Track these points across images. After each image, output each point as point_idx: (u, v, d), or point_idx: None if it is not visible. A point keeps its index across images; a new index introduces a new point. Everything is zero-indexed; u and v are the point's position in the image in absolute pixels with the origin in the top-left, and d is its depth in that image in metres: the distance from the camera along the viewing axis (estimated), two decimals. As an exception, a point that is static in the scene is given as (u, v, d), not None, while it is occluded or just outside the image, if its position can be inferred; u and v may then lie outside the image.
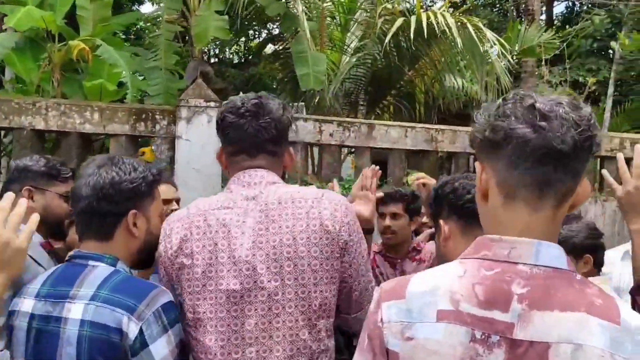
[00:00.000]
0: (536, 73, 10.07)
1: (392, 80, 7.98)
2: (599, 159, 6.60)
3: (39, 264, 1.83)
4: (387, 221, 2.83)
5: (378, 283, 2.96)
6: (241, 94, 6.45)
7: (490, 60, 6.68)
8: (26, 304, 1.46)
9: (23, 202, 1.25)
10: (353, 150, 6.12)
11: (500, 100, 1.02)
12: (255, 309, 1.45)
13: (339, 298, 1.55)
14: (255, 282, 1.46)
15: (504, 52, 6.73)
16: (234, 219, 1.50)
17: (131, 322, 1.37)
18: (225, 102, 1.71)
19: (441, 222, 1.50)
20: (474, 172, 1.12)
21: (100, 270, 1.46)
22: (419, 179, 2.77)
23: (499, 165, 1.00)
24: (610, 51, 11.06)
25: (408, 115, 8.03)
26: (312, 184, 5.62)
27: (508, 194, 1.00)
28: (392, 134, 5.81)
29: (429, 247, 2.92)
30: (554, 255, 0.98)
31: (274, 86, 10.40)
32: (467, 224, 1.47)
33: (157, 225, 1.61)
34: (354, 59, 7.63)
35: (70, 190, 1.62)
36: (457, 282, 0.99)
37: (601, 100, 10.39)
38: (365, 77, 7.90)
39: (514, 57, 7.75)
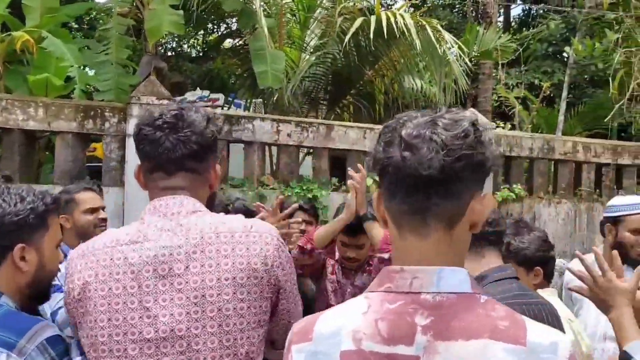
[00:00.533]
0: (493, 75, 10.22)
1: (352, 80, 7.92)
2: (552, 162, 6.72)
3: None
4: (352, 253, 2.79)
5: (335, 292, 2.96)
6: (198, 89, 6.29)
7: (448, 62, 6.69)
8: None
9: None
10: (311, 150, 6.03)
11: (383, 126, 1.00)
12: None
13: (277, 333, 1.43)
14: (172, 330, 1.29)
15: (462, 54, 6.76)
16: (143, 257, 1.32)
17: (11, 358, 1.28)
18: (180, 97, 1.55)
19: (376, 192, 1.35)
20: None
21: None
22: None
23: (385, 194, 0.99)
24: (565, 55, 11.32)
25: (368, 115, 7.98)
26: (269, 186, 5.52)
27: (397, 223, 0.99)
28: (350, 135, 5.75)
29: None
30: (458, 280, 0.96)
31: (232, 82, 10.22)
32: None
33: (53, 257, 1.51)
34: (314, 58, 7.52)
35: None
36: (360, 320, 0.96)
37: (556, 102, 10.63)
38: (325, 76, 7.82)
39: (472, 60, 7.81)
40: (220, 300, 1.30)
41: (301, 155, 6.53)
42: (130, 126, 4.90)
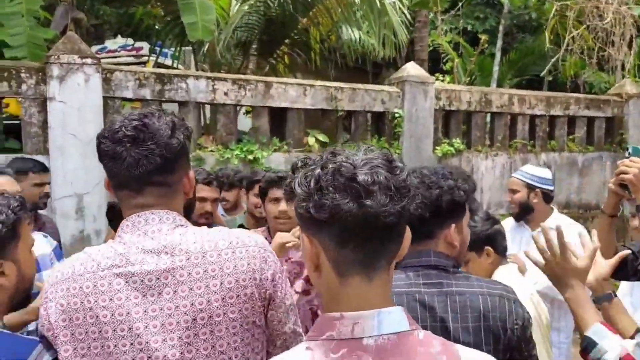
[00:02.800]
0: (429, 22, 10.12)
1: (286, 29, 7.59)
2: (489, 114, 6.80)
3: None
4: (283, 205, 2.66)
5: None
6: (119, 37, 5.79)
7: (387, 12, 6.49)
8: None
9: None
10: (249, 109, 5.78)
11: (318, 169, 0.96)
12: None
13: (272, 344, 1.40)
14: (164, 356, 1.24)
15: (401, 6, 6.58)
16: (130, 283, 1.25)
17: None
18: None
19: (303, 237, 1.07)
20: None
21: None
22: None
23: (327, 243, 0.97)
24: (498, 1, 11.36)
25: (304, 66, 7.73)
26: (207, 148, 5.25)
27: (341, 272, 0.98)
28: (290, 93, 5.53)
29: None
30: (395, 320, 0.98)
31: (157, 28, 9.55)
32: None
33: (29, 263, 1.50)
34: (246, 7, 7.11)
35: None
36: None
37: (488, 49, 10.73)
38: (258, 25, 7.44)
39: (409, 9, 7.65)
40: (212, 322, 1.26)
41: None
42: (52, 88, 4.47)
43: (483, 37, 8.62)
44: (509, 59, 10.66)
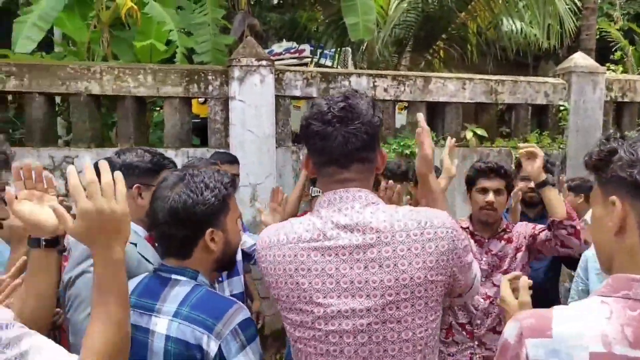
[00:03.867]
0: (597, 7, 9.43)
1: (443, 24, 7.60)
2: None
3: (147, 260, 1.92)
4: (491, 196, 2.68)
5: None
6: (284, 41, 6.25)
7: (552, 2, 6.23)
8: None
9: (118, 175, 1.21)
10: (407, 105, 5.93)
11: None
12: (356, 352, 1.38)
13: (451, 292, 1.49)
14: (354, 325, 1.37)
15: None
16: (325, 256, 1.38)
17: (210, 340, 1.40)
18: (311, 105, 1.52)
19: (614, 199, 1.10)
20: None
21: (181, 286, 1.51)
22: (527, 149, 2.62)
23: (631, 206, 1.02)
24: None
25: (461, 61, 7.67)
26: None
27: None
28: (449, 87, 5.58)
29: (519, 229, 2.79)
30: None
31: (317, 31, 10.08)
32: None
33: (235, 232, 1.63)
34: (405, 4, 7.25)
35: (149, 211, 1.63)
36: (605, 324, 1.00)
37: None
38: (416, 22, 7.54)
39: (576, -5, 7.23)
40: (398, 299, 1.34)
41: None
42: (233, 88, 5.02)
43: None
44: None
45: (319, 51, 8.91)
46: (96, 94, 4.89)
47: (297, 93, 5.33)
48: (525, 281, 1.62)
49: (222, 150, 4.47)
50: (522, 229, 2.77)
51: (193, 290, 1.49)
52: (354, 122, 1.40)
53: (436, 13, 7.39)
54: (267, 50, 10.28)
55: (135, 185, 1.97)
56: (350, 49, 8.93)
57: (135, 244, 1.91)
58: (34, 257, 1.44)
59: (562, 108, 5.69)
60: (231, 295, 2.89)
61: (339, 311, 1.36)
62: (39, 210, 1.42)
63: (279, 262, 1.42)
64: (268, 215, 2.52)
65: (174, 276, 1.53)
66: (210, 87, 5.11)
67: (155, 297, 1.50)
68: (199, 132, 6.43)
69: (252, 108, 5.02)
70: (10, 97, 5.39)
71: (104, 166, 1.19)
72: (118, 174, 1.21)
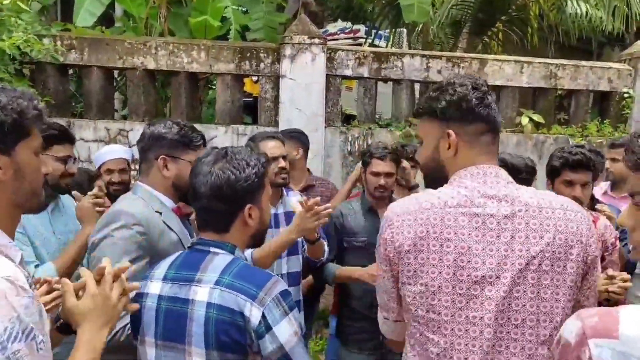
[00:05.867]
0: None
1: (503, 5, 7.33)
2: None
3: (171, 229, 1.97)
4: (578, 191, 2.51)
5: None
6: (339, 21, 6.18)
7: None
8: (154, 287, 1.59)
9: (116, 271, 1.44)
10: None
11: None
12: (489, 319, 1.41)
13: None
14: (497, 290, 1.41)
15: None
16: (472, 222, 1.42)
17: (254, 307, 1.44)
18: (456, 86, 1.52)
19: None
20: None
21: (221, 258, 1.56)
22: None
23: None
24: None
25: (520, 45, 7.40)
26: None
27: None
28: (506, 70, 5.40)
29: (603, 222, 2.67)
30: None
31: (372, 11, 9.93)
32: None
33: (268, 209, 1.70)
34: (464, -16, 7.04)
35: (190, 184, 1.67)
36: None
37: None
38: (475, 3, 7.31)
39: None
40: (540, 270, 1.40)
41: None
42: (284, 66, 5.02)
43: None
44: None
45: (373, 32, 8.78)
46: (151, 68, 5.00)
47: (349, 73, 5.28)
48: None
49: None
50: (607, 234, 2.66)
51: (233, 262, 1.54)
52: (493, 103, 1.51)
53: (495, -7, 7.14)
54: (321, 30, 10.22)
55: (160, 157, 1.99)
56: (405, 30, 8.76)
57: (160, 213, 1.96)
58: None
59: (626, 95, 5.41)
60: (288, 274, 2.89)
61: (483, 277, 1.40)
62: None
63: (422, 224, 1.44)
64: (298, 217, 2.41)
65: (212, 249, 1.58)
66: (262, 65, 5.13)
67: (194, 268, 1.55)
68: (252, 110, 6.49)
69: (302, 86, 5.02)
70: (70, 71, 5.58)
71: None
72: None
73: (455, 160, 1.51)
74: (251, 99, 7.19)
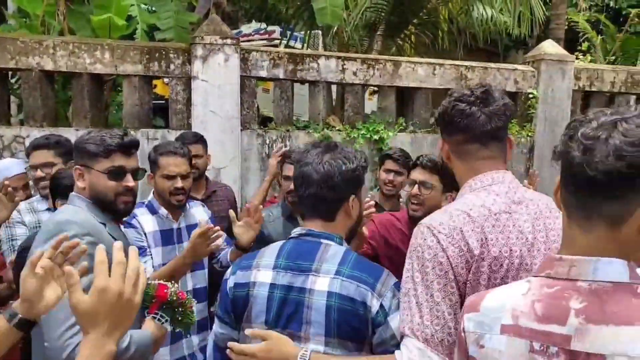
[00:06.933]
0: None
1: (414, 9, 7.49)
2: (635, 97, 6.27)
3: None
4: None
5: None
6: (253, 22, 6.03)
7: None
8: (263, 275, 1.64)
9: (143, 268, 1.17)
10: (377, 89, 5.81)
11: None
12: None
13: None
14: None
15: (539, -20, 6.23)
16: (517, 225, 1.52)
17: (374, 297, 1.54)
18: (451, 93, 1.63)
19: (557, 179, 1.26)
20: None
21: (334, 249, 1.64)
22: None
23: (562, 182, 1.07)
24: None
25: (432, 47, 7.58)
26: (335, 127, 5.38)
27: (567, 211, 1.07)
28: (419, 72, 5.48)
29: None
30: (615, 270, 1.01)
31: (288, 13, 9.85)
32: None
33: (363, 204, 1.81)
34: (376, -13, 7.11)
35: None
36: (519, 300, 1.09)
37: (631, 27, 9.79)
38: (387, 6, 7.41)
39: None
40: None
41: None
42: (195, 67, 4.81)
43: (634, 12, 7.86)
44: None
45: (288, 33, 8.70)
46: (49, 70, 4.62)
47: (264, 74, 5.15)
48: None
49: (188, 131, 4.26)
50: None
51: (347, 252, 1.63)
52: (494, 104, 1.56)
53: (407, -3, 7.27)
54: (235, 31, 10.01)
55: (75, 167, 1.96)
56: (320, 32, 8.75)
57: (104, 224, 1.91)
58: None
59: (531, 96, 5.66)
60: (194, 289, 2.78)
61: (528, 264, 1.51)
62: (44, 289, 1.36)
63: (479, 232, 1.49)
64: (242, 227, 2.53)
65: (323, 240, 1.65)
66: (171, 66, 4.89)
67: (310, 259, 1.61)
68: (166, 113, 6.21)
69: (215, 88, 4.83)
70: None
71: (134, 253, 1.16)
72: (142, 267, 1.16)
73: (453, 167, 1.66)
74: (163, 102, 6.90)
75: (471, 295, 1.24)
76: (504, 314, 1.09)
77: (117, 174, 1.91)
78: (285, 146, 5.14)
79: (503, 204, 1.53)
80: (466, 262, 1.47)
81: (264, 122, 5.78)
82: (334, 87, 6.15)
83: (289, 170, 2.86)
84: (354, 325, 1.53)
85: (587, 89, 5.90)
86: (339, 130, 5.33)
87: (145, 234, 2.65)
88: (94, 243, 1.64)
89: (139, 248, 2.29)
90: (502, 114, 1.56)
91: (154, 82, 8.12)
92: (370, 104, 7.51)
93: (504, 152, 1.62)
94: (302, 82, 5.42)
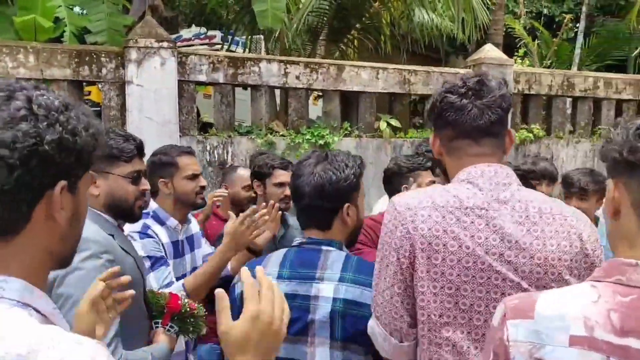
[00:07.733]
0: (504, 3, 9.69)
1: (357, 13, 7.46)
2: (571, 99, 6.44)
3: (128, 252, 1.83)
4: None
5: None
6: (193, 26, 5.84)
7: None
8: None
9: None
10: (321, 94, 5.71)
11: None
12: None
13: None
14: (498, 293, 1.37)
15: (479, -16, 6.31)
16: (492, 224, 1.37)
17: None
18: (443, 83, 1.50)
19: (609, 181, 1.09)
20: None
21: (335, 255, 1.65)
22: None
23: (634, 186, 0.97)
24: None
25: (375, 52, 7.57)
26: (278, 132, 5.23)
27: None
28: (362, 77, 5.42)
29: None
30: None
31: (229, 17, 9.65)
32: None
33: (362, 208, 1.78)
34: (318, -9, 7.03)
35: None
36: (591, 308, 0.97)
37: (564, 33, 10.16)
38: (330, 11, 7.35)
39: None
40: (546, 278, 1.35)
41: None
42: (130, 71, 4.57)
43: (567, 17, 8.13)
44: (590, 43, 10.02)
45: (229, 38, 8.50)
46: (-34, 74, 4.27)
47: (203, 78, 4.96)
48: None
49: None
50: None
51: (348, 258, 1.65)
52: (488, 96, 1.41)
53: (349, 1, 7.23)
54: (175, 36, 9.71)
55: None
56: (262, 37, 8.59)
57: (113, 235, 1.81)
58: None
59: (473, 99, 5.70)
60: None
61: (496, 271, 1.37)
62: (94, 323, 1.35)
63: (437, 223, 1.38)
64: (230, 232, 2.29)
65: (323, 247, 1.67)
66: (103, 70, 4.62)
67: (312, 267, 1.63)
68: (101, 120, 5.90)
69: (151, 93, 4.60)
70: None
71: (261, 273, 1.04)
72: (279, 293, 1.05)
73: (445, 164, 1.54)
74: (99, 109, 6.57)
75: (511, 298, 1.08)
76: (572, 323, 0.96)
77: (138, 178, 1.89)
78: (227, 152, 4.96)
79: (481, 200, 1.38)
80: (410, 246, 1.37)
81: (205, 128, 5.57)
82: (277, 92, 6.02)
83: (279, 176, 2.72)
84: (359, 327, 1.54)
85: (525, 92, 6.01)
86: (282, 135, 5.19)
87: (163, 244, 2.42)
88: (112, 261, 1.67)
89: (160, 258, 2.25)
90: (497, 106, 1.40)
91: (89, 88, 7.76)
92: (315, 109, 7.42)
93: (499, 149, 1.46)
94: (244, 86, 5.26)
